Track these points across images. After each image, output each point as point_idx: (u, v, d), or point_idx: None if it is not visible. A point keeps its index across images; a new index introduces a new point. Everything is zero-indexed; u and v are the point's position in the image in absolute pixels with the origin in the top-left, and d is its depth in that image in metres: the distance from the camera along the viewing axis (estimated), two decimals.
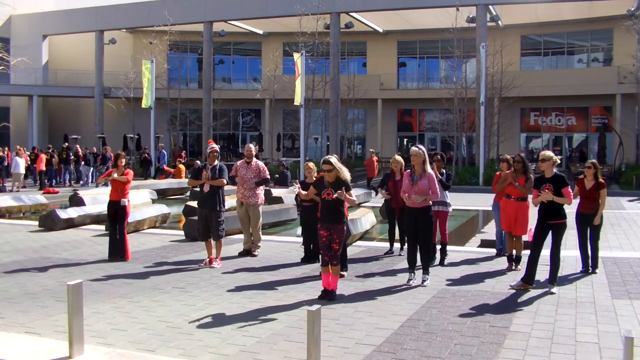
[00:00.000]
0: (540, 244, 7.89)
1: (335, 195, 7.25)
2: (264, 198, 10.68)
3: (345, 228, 7.45)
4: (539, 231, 7.86)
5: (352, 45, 41.80)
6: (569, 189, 7.80)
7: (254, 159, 10.42)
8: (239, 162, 10.51)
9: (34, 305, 7.06)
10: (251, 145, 10.52)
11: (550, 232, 7.83)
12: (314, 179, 8.49)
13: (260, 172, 10.35)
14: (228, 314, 6.72)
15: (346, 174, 7.44)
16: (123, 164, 10.11)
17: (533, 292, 7.74)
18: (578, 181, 9.22)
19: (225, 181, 9.53)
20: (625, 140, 31.55)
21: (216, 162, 9.59)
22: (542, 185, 7.74)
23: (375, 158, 25.96)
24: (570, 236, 12.14)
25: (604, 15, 35.09)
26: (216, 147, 9.75)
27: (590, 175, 9.01)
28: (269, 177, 10.62)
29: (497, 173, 10.16)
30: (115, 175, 9.97)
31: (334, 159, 7.43)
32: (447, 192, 9.66)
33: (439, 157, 9.69)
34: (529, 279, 7.87)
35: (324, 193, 7.33)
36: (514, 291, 7.77)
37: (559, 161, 7.98)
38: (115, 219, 10.02)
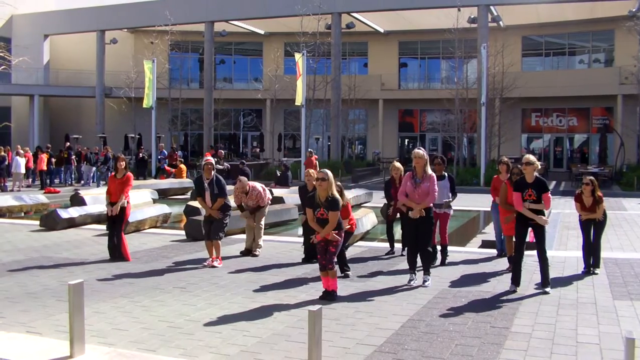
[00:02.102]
0: (523, 244, 7.94)
1: (332, 239, 7.29)
2: (270, 198, 10.74)
3: (342, 234, 7.45)
4: (520, 232, 7.90)
5: (353, 45, 41.78)
6: (549, 195, 7.86)
7: (251, 189, 10.45)
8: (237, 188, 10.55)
9: (35, 304, 7.06)
10: (243, 179, 10.49)
11: (533, 234, 7.88)
12: (313, 184, 8.49)
13: (258, 200, 10.44)
14: (229, 314, 6.73)
15: (336, 193, 7.40)
16: (123, 166, 10.05)
17: (534, 293, 7.74)
18: (576, 197, 9.22)
19: (224, 201, 9.60)
20: (627, 141, 31.52)
21: (212, 174, 9.58)
22: (525, 191, 7.78)
23: (314, 157, 26.11)
24: (572, 237, 12.18)
25: (605, 16, 35.08)
26: (211, 159, 9.77)
27: (588, 192, 8.99)
28: (264, 204, 10.59)
29: (495, 177, 10.14)
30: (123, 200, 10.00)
31: (330, 174, 7.40)
32: (450, 194, 9.65)
33: (440, 160, 9.60)
34: (516, 280, 7.89)
35: (317, 213, 7.31)
36: (514, 292, 7.77)
37: (539, 167, 8.01)
38: (114, 220, 10.00)
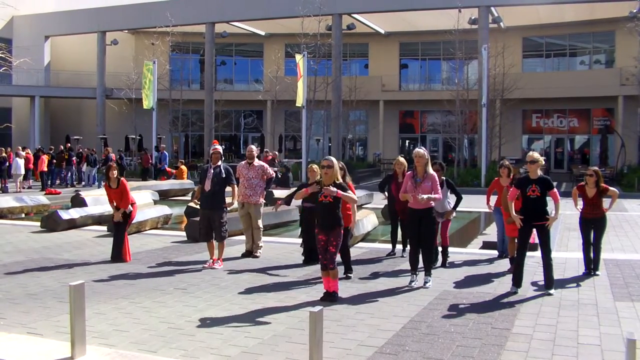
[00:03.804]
0: (525, 245, 7.95)
1: (327, 193, 7.17)
2: (263, 200, 10.68)
3: (342, 232, 7.42)
4: (523, 233, 7.89)
5: (354, 46, 41.80)
6: (555, 190, 7.88)
7: (256, 159, 10.44)
8: (241, 164, 10.54)
9: (36, 305, 7.06)
10: (252, 146, 10.56)
11: (537, 234, 7.88)
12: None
13: (263, 172, 10.37)
14: (230, 315, 6.73)
15: (341, 179, 7.44)
16: (114, 175, 9.97)
17: (535, 294, 7.74)
18: (578, 186, 9.21)
19: (236, 187, 9.71)
20: (627, 142, 31.53)
21: (219, 162, 9.62)
22: (529, 187, 7.78)
23: (270, 155, 26.22)
24: (572, 238, 12.17)
25: (605, 17, 35.09)
26: (218, 148, 9.75)
27: (591, 183, 8.96)
28: (273, 174, 10.66)
29: (495, 179, 10.13)
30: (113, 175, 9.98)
31: (335, 161, 7.45)
32: (449, 199, 9.66)
33: (438, 166, 9.46)
34: (517, 282, 7.89)
35: (321, 196, 7.30)
36: (515, 293, 7.76)
37: (543, 163, 8.01)
38: (119, 222, 10.01)
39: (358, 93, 36.26)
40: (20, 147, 26.44)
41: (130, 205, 10.01)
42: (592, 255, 9.02)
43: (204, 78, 39.49)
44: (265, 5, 35.73)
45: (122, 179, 10.04)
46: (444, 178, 9.60)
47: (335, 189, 7.15)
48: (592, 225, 9.02)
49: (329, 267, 7.29)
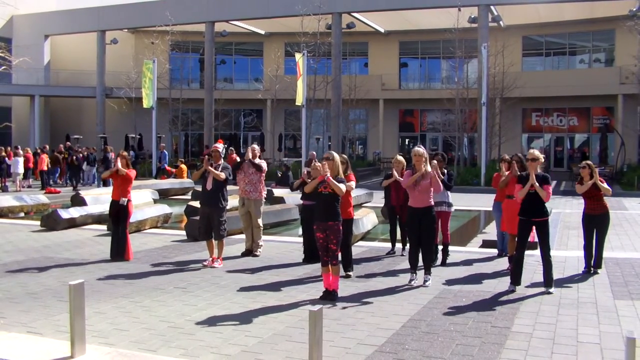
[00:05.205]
0: (524, 242, 7.96)
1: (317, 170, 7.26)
2: (265, 194, 10.71)
3: (340, 228, 7.42)
4: (523, 230, 7.91)
5: (353, 45, 41.79)
6: (550, 188, 7.88)
7: (257, 159, 10.49)
8: (245, 162, 10.59)
9: (36, 305, 7.06)
10: (255, 146, 10.58)
11: (536, 232, 7.91)
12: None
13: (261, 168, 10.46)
14: (230, 314, 6.73)
15: (342, 173, 7.55)
16: (124, 163, 10.09)
17: (534, 293, 7.74)
18: (578, 182, 9.26)
19: (223, 176, 9.51)
20: (627, 141, 31.53)
21: (221, 161, 9.66)
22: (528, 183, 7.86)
23: (234, 155, 26.03)
24: (572, 237, 12.18)
25: (605, 16, 35.08)
26: (218, 146, 9.79)
27: (586, 176, 9.02)
28: (263, 165, 10.59)
29: (496, 174, 10.14)
30: (119, 165, 10.01)
31: (336, 155, 7.55)
32: (449, 192, 9.67)
33: (440, 157, 9.62)
34: (516, 280, 7.90)
35: (321, 187, 7.33)
36: (515, 292, 7.77)
37: (543, 161, 8.07)
38: (118, 218, 10.02)
39: (358, 92, 36.25)
40: (17, 147, 26.43)
41: (125, 200, 10.02)
42: (593, 253, 9.03)
43: (203, 77, 39.49)
44: (265, 4, 35.72)
45: (129, 168, 10.14)
46: (445, 171, 9.63)
47: (327, 170, 7.22)
48: (595, 223, 9.03)
49: (332, 263, 7.30)
